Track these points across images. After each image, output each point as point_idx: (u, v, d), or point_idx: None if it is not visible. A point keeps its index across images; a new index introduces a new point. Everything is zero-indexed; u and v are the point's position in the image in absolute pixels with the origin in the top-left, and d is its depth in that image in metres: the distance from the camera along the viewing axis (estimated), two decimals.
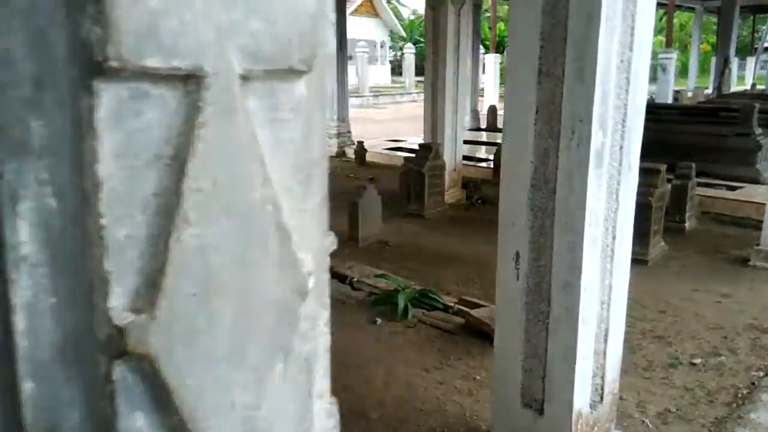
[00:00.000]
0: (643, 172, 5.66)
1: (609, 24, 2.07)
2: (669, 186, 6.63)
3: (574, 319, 2.26)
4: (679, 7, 22.37)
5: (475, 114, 15.65)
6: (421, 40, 46.15)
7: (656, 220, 5.71)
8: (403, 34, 49.39)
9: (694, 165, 6.80)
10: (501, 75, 31.14)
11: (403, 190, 7.60)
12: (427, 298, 4.47)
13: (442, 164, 7.46)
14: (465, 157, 11.21)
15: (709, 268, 5.54)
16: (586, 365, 2.38)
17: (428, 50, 7.89)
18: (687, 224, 6.74)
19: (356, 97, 28.93)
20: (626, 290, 2.52)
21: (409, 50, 33.60)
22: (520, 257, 2.39)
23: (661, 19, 33.62)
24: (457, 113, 7.90)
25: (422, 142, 8.40)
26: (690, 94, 21.46)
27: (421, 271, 5.45)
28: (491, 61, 23.05)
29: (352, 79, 32.75)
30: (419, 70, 42.45)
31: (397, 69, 44.20)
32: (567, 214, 2.22)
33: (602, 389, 2.48)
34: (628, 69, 2.20)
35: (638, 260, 5.57)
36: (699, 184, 8.19)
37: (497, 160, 9.32)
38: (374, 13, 46.27)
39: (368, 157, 11.44)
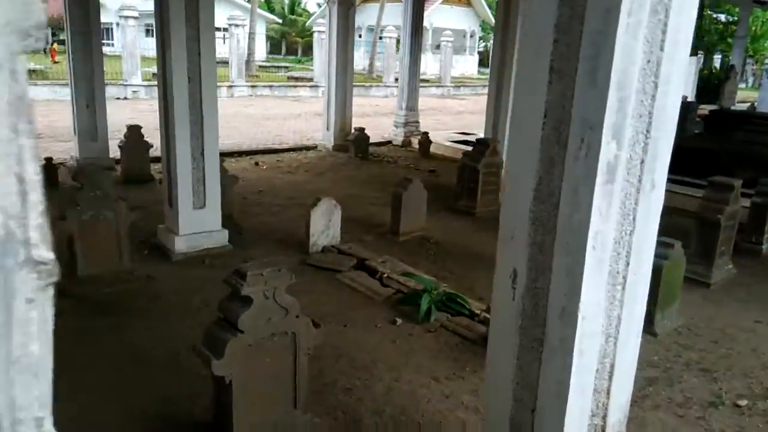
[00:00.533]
0: (715, 186, 5.16)
1: (632, 18, 1.78)
2: (748, 203, 6.04)
3: (569, 350, 2.00)
4: None
5: None
6: None
7: (725, 240, 5.18)
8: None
9: None
10: None
11: (458, 185, 7.35)
12: (454, 303, 4.25)
13: (499, 161, 7.13)
14: None
15: None
16: (582, 403, 2.11)
17: (496, 41, 7.55)
18: (765, 246, 6.10)
19: (437, 86, 28.63)
20: (641, 324, 2.22)
21: None
22: (518, 275, 2.15)
23: None
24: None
25: (482, 136, 8.09)
26: None
27: (457, 272, 5.22)
28: None
29: (434, 69, 32.46)
30: None
31: (485, 60, 43.35)
32: (569, 233, 1.96)
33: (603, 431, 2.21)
34: (656, 72, 1.90)
35: (699, 282, 5.11)
36: None
37: None
38: (466, 2, 45.51)
39: (433, 149, 11.19)
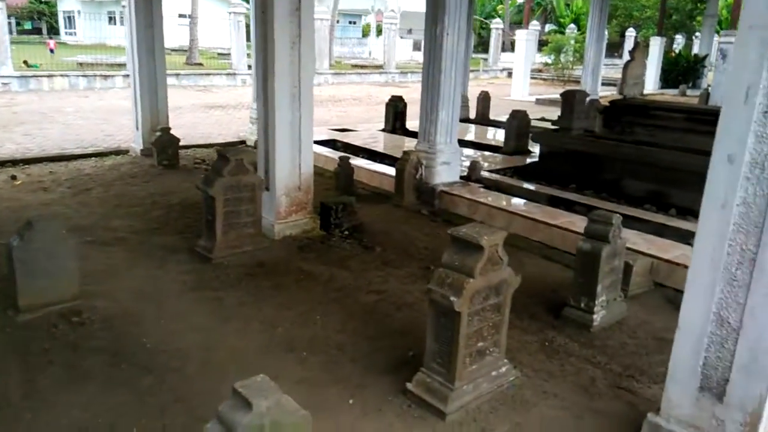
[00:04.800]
0: (458, 246, 2.99)
1: None
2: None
3: None
4: None
5: (464, 101, 12.80)
6: (493, 14, 42.63)
7: (481, 332, 3.06)
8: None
9: (618, 216, 3.99)
10: (554, 52, 27.49)
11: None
12: None
13: (251, 182, 4.98)
14: (383, 155, 8.55)
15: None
16: None
17: (257, 24, 5.37)
18: (599, 316, 3.99)
19: (380, 73, 26.38)
20: None
21: None
22: None
23: None
24: (300, 103, 5.35)
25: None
26: None
27: (48, 395, 3.10)
28: (522, 38, 19.82)
29: (377, 54, 30.23)
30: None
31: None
32: None
33: None
34: None
35: (433, 410, 3.01)
36: (677, 232, 5.35)
37: (401, 170, 6.75)
38: None
39: None
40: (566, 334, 3.92)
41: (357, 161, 8.13)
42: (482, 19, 43.05)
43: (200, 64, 26.08)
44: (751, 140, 2.27)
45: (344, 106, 16.86)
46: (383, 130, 11.05)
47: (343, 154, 7.93)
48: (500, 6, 45.28)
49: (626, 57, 33.11)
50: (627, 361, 3.62)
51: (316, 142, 9.47)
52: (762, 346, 2.32)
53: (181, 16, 31.35)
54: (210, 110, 14.28)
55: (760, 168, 2.27)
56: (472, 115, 12.99)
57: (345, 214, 5.92)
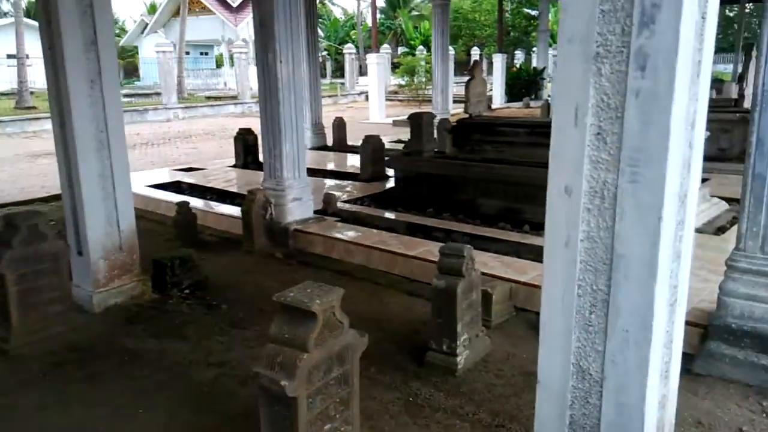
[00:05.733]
0: (286, 314, 2.45)
1: None
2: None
3: None
4: None
5: (320, 128, 12.44)
6: (347, 40, 42.97)
7: (323, 417, 2.56)
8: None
9: (469, 248, 3.70)
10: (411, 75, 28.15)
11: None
12: None
13: (52, 250, 4.14)
14: (234, 195, 7.89)
15: None
16: None
17: (47, 63, 4.56)
18: (462, 358, 3.66)
19: (235, 104, 25.46)
20: None
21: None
22: None
23: None
24: (110, 150, 4.60)
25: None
26: None
27: None
28: (373, 62, 19.95)
29: (233, 84, 29.37)
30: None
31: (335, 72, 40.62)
32: None
33: None
34: None
35: None
36: (533, 249, 5.23)
37: (247, 211, 6.15)
38: None
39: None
40: (431, 384, 3.54)
41: (202, 204, 7.41)
42: (336, 45, 43.45)
43: (34, 108, 23.58)
44: (587, 167, 2.01)
45: (194, 141, 15.86)
46: (234, 166, 10.35)
47: (183, 198, 7.16)
48: (353, 32, 46.05)
49: None
50: (496, 407, 3.31)
51: (156, 186, 8.66)
52: (627, 398, 2.04)
53: (10, 56, 28.43)
54: (36, 159, 12.69)
55: (600, 197, 2.00)
56: (330, 142, 12.65)
57: (184, 269, 5.21)
